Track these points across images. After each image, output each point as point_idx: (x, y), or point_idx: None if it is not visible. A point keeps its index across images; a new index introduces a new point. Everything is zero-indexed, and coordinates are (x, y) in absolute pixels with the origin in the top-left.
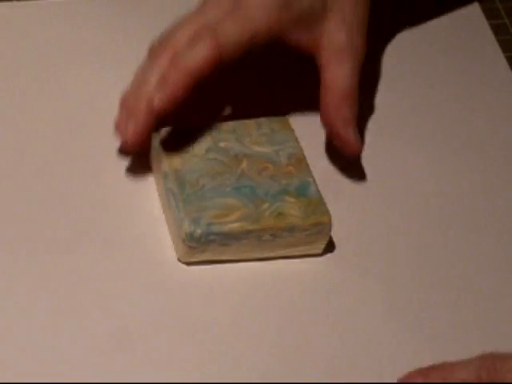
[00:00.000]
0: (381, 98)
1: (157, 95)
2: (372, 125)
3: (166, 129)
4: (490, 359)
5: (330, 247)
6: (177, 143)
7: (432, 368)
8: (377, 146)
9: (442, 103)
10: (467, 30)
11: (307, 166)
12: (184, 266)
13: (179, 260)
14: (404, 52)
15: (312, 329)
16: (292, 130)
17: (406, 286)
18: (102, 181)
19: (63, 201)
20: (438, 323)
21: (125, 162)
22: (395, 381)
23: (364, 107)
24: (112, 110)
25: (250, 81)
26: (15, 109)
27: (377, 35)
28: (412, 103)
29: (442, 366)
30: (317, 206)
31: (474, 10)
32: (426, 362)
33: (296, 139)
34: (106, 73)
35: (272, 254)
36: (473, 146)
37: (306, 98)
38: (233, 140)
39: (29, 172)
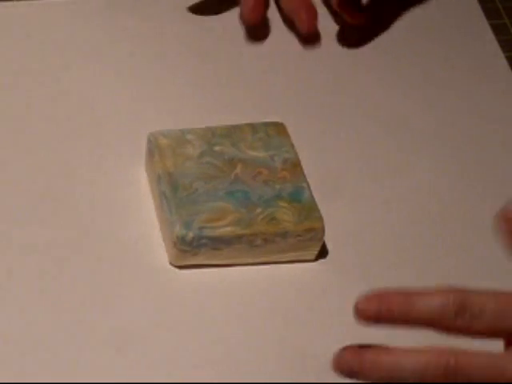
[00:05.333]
0: (380, 99)
1: None
2: (370, 126)
3: (161, 131)
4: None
5: (322, 253)
6: (171, 146)
7: (394, 293)
8: (373, 151)
9: (442, 103)
10: (467, 30)
11: (302, 171)
12: (176, 270)
13: (171, 263)
14: (404, 52)
15: (304, 335)
16: (288, 135)
17: None
18: (96, 183)
19: (56, 202)
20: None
21: (119, 164)
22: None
23: (362, 108)
24: (111, 110)
25: (246, 84)
26: (15, 109)
27: (377, 35)
28: (411, 104)
29: (405, 292)
30: (310, 211)
31: (474, 9)
32: None
33: (291, 144)
34: (106, 73)
35: (264, 260)
36: (472, 146)
37: (303, 102)
38: (228, 144)
39: (25, 173)
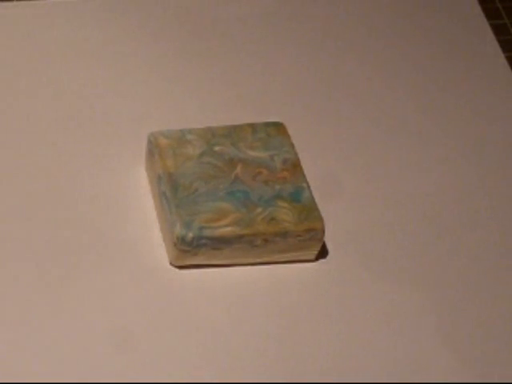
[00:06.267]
0: (380, 99)
1: None
2: (370, 127)
3: (161, 131)
4: None
5: (323, 253)
6: (171, 146)
7: None
8: (373, 151)
9: (443, 103)
10: (467, 30)
11: (302, 171)
12: (176, 270)
13: (171, 263)
14: (404, 52)
15: (304, 335)
16: (288, 136)
17: (400, 291)
18: (96, 183)
19: (57, 202)
20: (434, 327)
21: (120, 165)
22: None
23: (362, 108)
24: (111, 110)
25: (246, 84)
26: (15, 109)
27: (377, 36)
28: (411, 104)
29: None
30: (310, 211)
31: (474, 10)
32: (421, 364)
33: (291, 144)
34: (106, 73)
35: (264, 259)
36: (472, 145)
37: (303, 102)
38: (228, 144)
39: (26, 173)
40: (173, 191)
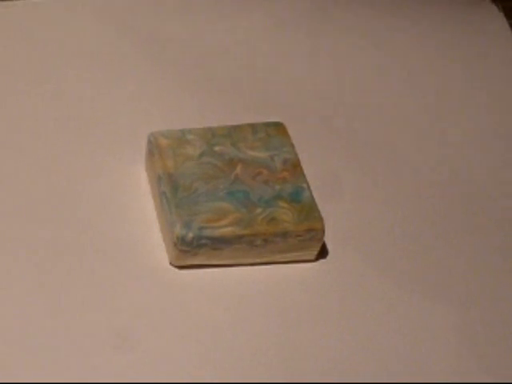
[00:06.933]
0: (380, 99)
1: None
2: (370, 126)
3: (161, 131)
4: None
5: (323, 253)
6: (171, 146)
7: None
8: (373, 151)
9: (443, 103)
10: (483, 28)
11: (302, 171)
12: (176, 270)
13: (171, 263)
14: (405, 52)
15: (304, 335)
16: (288, 136)
17: (400, 291)
18: (96, 183)
19: (57, 202)
20: (434, 326)
21: (120, 165)
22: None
23: (362, 108)
24: (111, 110)
25: (246, 84)
26: (14, 109)
27: (378, 36)
28: (411, 104)
29: None
30: (310, 211)
31: (491, 10)
32: (422, 363)
33: (291, 144)
34: (106, 73)
35: (264, 260)
36: (473, 145)
37: (303, 102)
38: (228, 144)
39: (25, 173)
40: (173, 191)
